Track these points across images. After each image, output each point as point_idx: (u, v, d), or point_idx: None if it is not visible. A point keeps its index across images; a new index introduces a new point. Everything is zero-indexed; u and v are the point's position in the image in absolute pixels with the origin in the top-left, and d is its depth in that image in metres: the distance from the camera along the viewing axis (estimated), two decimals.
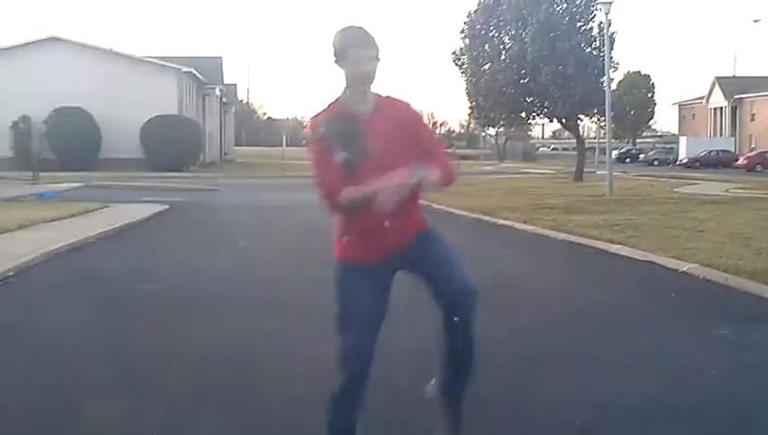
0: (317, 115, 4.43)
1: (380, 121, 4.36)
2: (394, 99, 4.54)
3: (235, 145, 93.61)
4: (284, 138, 68.26)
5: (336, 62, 4.39)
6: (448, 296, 4.45)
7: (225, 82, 78.97)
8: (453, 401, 4.73)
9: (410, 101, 4.58)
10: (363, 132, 4.32)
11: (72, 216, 20.04)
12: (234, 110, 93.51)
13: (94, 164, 50.56)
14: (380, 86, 4.40)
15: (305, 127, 4.44)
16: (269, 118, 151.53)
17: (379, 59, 4.37)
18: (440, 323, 4.52)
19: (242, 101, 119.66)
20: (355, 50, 4.31)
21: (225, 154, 78.55)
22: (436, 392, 4.78)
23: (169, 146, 51.56)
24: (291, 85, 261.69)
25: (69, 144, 50.60)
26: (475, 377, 4.72)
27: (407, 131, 4.41)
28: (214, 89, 70.25)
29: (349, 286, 4.52)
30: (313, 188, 4.42)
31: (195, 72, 60.28)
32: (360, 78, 4.34)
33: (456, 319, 4.48)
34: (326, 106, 4.46)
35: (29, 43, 55.34)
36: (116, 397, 6.10)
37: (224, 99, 78.98)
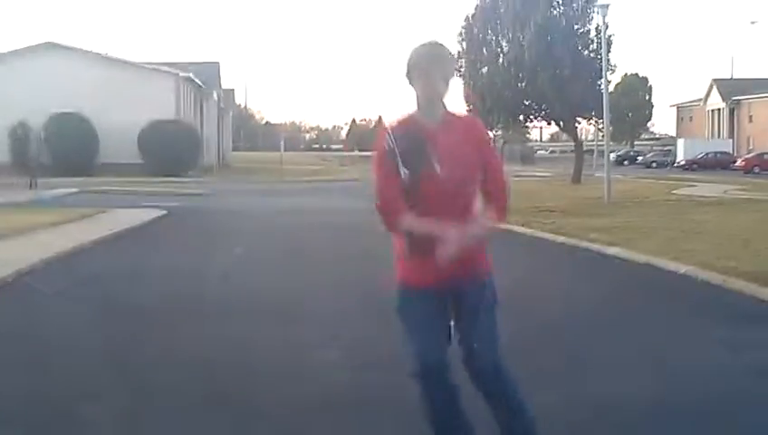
0: (386, 127, 4.37)
1: (447, 139, 4.28)
2: (463, 116, 4.50)
3: (233, 150, 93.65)
4: (282, 143, 68.25)
5: (408, 77, 4.33)
6: (470, 360, 4.40)
7: (223, 86, 79.02)
8: None
9: (478, 119, 4.54)
10: (429, 150, 4.25)
11: (70, 221, 20.02)
12: (231, 114, 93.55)
13: (92, 169, 50.51)
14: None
15: (379, 131, 4.36)
16: (267, 123, 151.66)
17: (452, 75, 4.37)
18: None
19: (240, 105, 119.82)
20: (428, 65, 4.24)
21: (223, 159, 78.52)
22: None
23: (167, 151, 51.52)
24: (289, 90, 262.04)
25: (67, 149, 50.52)
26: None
27: (472, 150, 4.32)
28: (211, 93, 70.26)
29: (408, 308, 4.43)
30: (374, 198, 4.37)
31: (192, 76, 60.31)
32: (429, 96, 4.28)
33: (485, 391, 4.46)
34: (399, 118, 4.40)
35: (26, 49, 55.37)
36: (114, 401, 6.09)
37: (221, 104, 78.99)
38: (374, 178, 4.38)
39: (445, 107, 4.37)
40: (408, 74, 4.31)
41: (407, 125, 4.33)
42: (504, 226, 17.05)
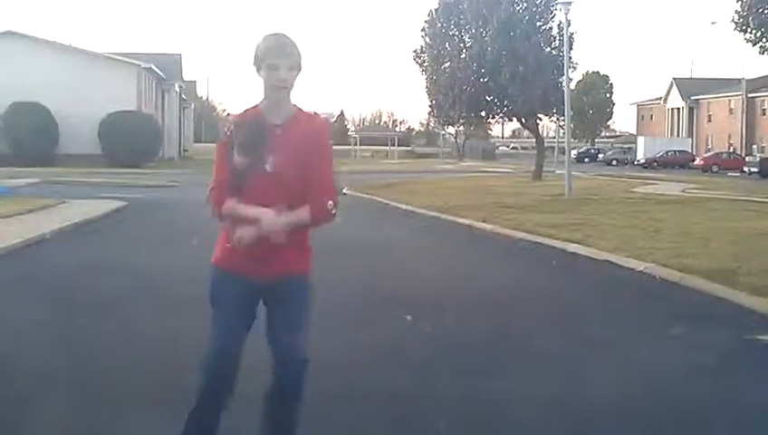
0: (231, 116, 4.53)
1: (289, 136, 4.32)
2: (312, 116, 4.52)
3: (195, 142, 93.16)
4: None
5: (256, 67, 4.37)
6: (276, 355, 4.43)
7: (185, 78, 78.56)
8: None
9: (328, 122, 4.56)
10: (267, 144, 4.31)
11: (29, 211, 19.82)
12: (193, 106, 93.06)
13: (52, 159, 50.00)
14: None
15: (222, 120, 4.48)
16: (228, 115, 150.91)
17: (299, 69, 4.35)
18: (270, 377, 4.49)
19: (201, 97, 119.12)
20: (272, 57, 4.27)
21: (185, 151, 78.14)
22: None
23: (128, 142, 51.15)
24: (251, 83, 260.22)
25: (26, 139, 49.98)
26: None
27: (310, 151, 4.34)
28: (173, 85, 69.88)
29: (220, 292, 4.52)
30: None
31: (154, 68, 59.93)
32: (274, 86, 4.31)
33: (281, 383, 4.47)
34: (244, 110, 4.47)
35: None
36: (66, 396, 6.04)
37: (183, 95, 78.56)
38: (214, 164, 4.51)
39: (293, 104, 4.42)
40: (256, 65, 4.36)
41: (249, 117, 4.41)
42: (464, 221, 17.15)
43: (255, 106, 4.43)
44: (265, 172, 4.30)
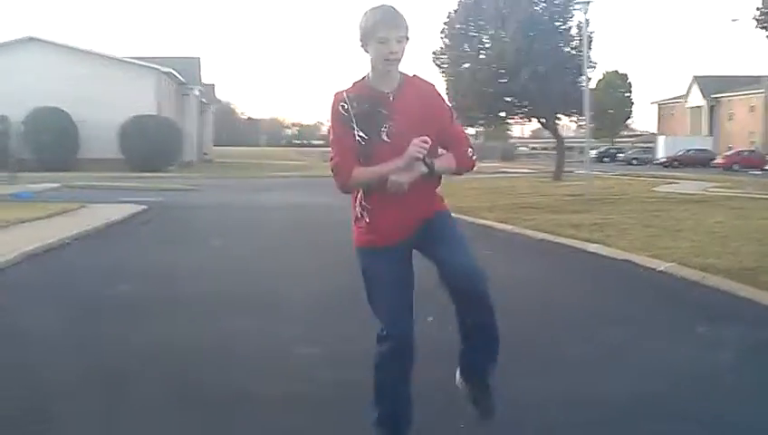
0: (341, 91, 4.44)
1: (403, 103, 4.37)
2: (420, 80, 4.53)
3: (215, 145, 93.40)
4: (264, 138, 68.08)
5: (362, 43, 4.37)
6: (452, 277, 4.44)
7: (204, 82, 78.77)
8: (480, 386, 4.80)
9: (435, 83, 4.58)
10: (385, 113, 4.35)
11: (50, 216, 19.91)
12: (212, 110, 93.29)
13: (72, 164, 50.30)
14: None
15: (334, 95, 4.46)
16: (248, 118, 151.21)
17: (407, 39, 4.37)
18: (454, 307, 4.56)
19: (221, 101, 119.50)
20: (382, 30, 4.27)
21: (205, 154, 78.29)
22: (462, 381, 4.85)
23: (148, 146, 51.38)
24: (270, 85, 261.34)
25: (47, 144, 50.28)
26: (496, 360, 4.83)
27: (428, 114, 4.40)
28: (192, 89, 70.03)
29: (372, 269, 4.55)
30: (328, 165, 4.50)
31: (173, 72, 60.12)
32: (386, 58, 4.31)
33: (467, 302, 4.53)
34: (351, 84, 4.47)
35: (6, 44, 54.96)
36: (90, 396, 6.07)
37: (202, 99, 78.74)
38: (330, 145, 4.50)
39: (400, 72, 4.44)
40: (363, 39, 4.37)
41: (362, 90, 4.42)
42: (484, 222, 17.10)
43: (362, 78, 4.46)
44: (385, 141, 4.34)
